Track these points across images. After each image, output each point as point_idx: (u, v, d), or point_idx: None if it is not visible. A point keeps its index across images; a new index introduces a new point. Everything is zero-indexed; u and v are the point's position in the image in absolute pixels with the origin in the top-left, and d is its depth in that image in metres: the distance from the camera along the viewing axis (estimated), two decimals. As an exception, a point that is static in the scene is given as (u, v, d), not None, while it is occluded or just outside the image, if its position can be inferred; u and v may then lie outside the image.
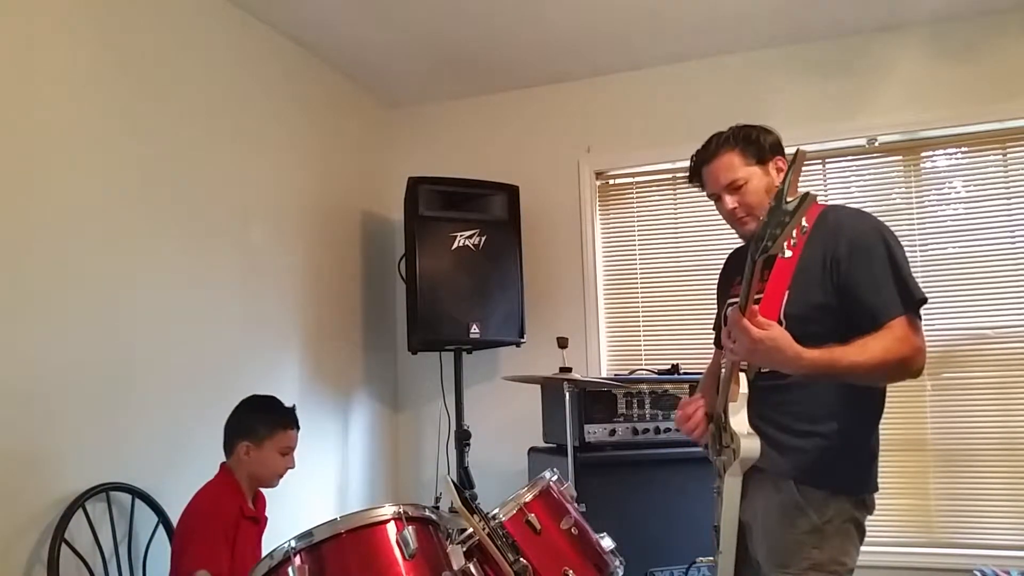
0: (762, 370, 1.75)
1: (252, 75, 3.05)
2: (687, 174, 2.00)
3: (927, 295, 1.71)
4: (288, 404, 2.26)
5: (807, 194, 1.33)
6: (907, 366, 1.63)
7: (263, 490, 2.25)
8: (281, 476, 2.19)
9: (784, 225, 1.36)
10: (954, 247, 3.23)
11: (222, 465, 2.16)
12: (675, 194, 3.65)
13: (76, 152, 2.25)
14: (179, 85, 2.65)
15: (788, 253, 1.41)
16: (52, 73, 2.20)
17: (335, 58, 3.51)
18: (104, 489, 2.20)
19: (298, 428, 2.22)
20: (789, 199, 1.36)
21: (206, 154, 2.76)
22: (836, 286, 1.71)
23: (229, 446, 2.15)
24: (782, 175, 1.84)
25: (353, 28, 3.21)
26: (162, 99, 2.57)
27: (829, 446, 1.72)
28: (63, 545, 2.03)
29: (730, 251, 2.14)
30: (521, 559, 1.75)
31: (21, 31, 2.12)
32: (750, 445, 1.71)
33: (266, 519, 2.25)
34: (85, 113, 2.29)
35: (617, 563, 1.99)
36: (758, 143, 1.85)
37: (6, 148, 2.05)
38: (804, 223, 1.36)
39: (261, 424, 2.14)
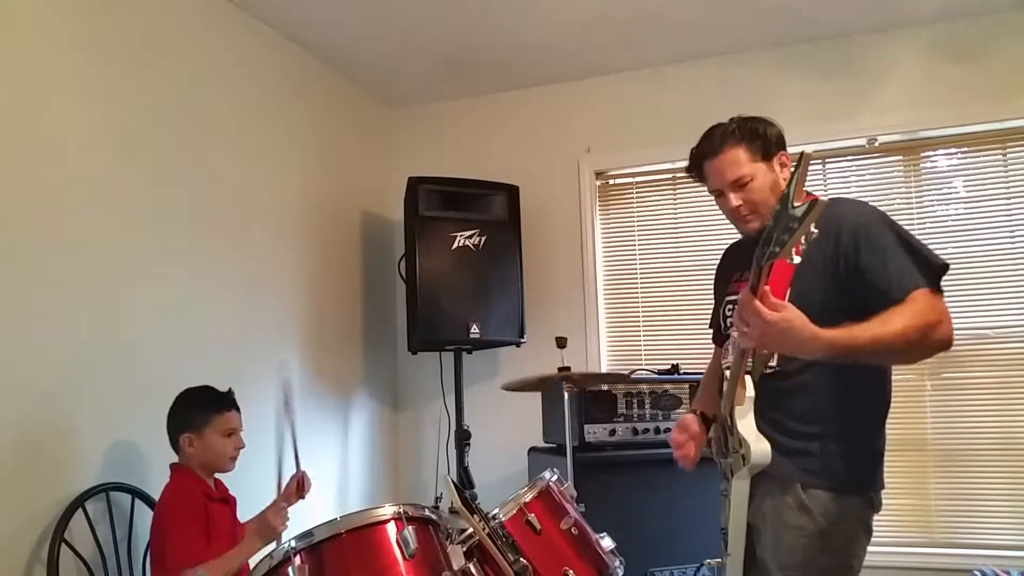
0: (767, 368, 1.73)
1: (252, 75, 3.05)
2: (686, 165, 1.93)
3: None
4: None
5: (816, 200, 1.29)
6: (934, 333, 1.55)
7: (221, 477, 2.24)
8: (233, 458, 2.17)
9: (792, 231, 1.32)
10: (954, 247, 3.23)
11: (172, 465, 2.14)
12: (675, 194, 3.65)
13: (76, 152, 2.25)
14: (179, 85, 2.65)
15: (796, 259, 1.38)
16: (51, 73, 2.20)
17: (335, 58, 3.51)
18: (104, 489, 2.20)
19: (237, 409, 2.20)
20: (796, 204, 1.32)
21: (206, 154, 2.76)
22: (844, 278, 1.66)
23: (174, 443, 2.14)
24: (786, 171, 1.82)
25: (353, 28, 3.21)
26: (162, 99, 2.57)
27: (834, 447, 1.71)
28: (63, 545, 2.02)
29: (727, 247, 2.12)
30: (521, 559, 1.76)
31: (21, 32, 2.11)
32: (761, 450, 1.68)
33: (234, 499, 2.24)
34: (85, 113, 2.29)
35: (617, 563, 1.99)
36: (764, 137, 1.80)
37: (6, 148, 2.05)
38: (814, 229, 1.32)
39: (196, 413, 2.13)
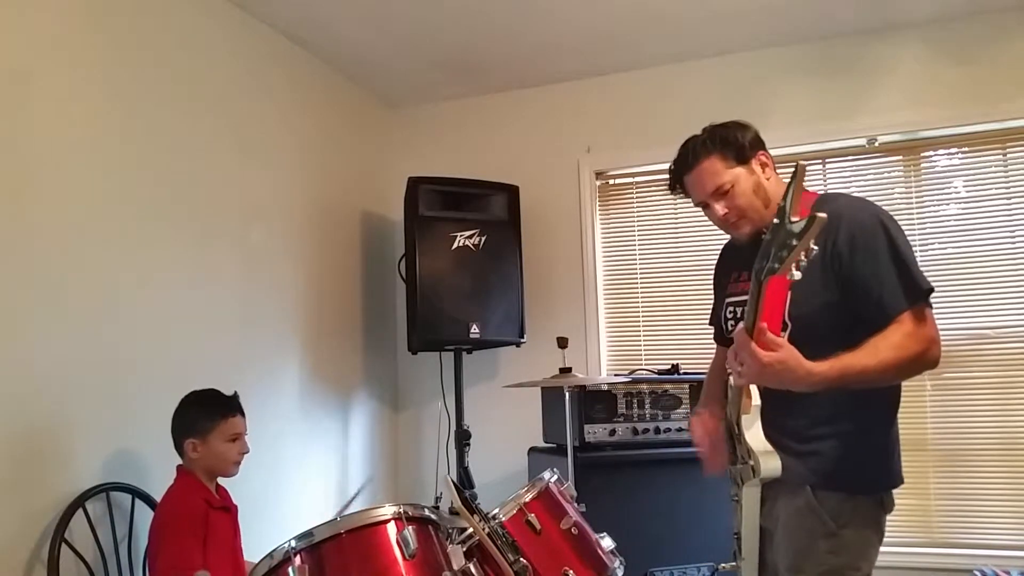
0: None
1: (252, 75, 3.04)
2: (668, 183, 1.94)
3: (930, 291, 1.67)
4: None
5: (815, 217, 1.27)
6: (922, 360, 1.59)
7: (223, 483, 2.24)
8: (237, 463, 2.17)
9: (791, 248, 1.31)
10: (954, 247, 3.23)
11: (178, 467, 2.14)
12: (675, 194, 3.63)
13: (76, 152, 2.25)
14: (179, 85, 2.65)
15: (797, 275, 1.35)
16: (51, 73, 2.20)
17: (335, 58, 3.51)
18: (104, 489, 2.19)
19: (242, 414, 2.19)
20: (794, 219, 1.30)
21: (206, 154, 2.76)
22: (839, 281, 1.67)
23: (178, 448, 2.13)
24: (768, 170, 1.81)
25: (353, 28, 3.21)
26: (162, 99, 2.57)
27: (845, 447, 1.70)
28: (63, 545, 2.02)
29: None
30: (521, 559, 1.75)
31: (21, 31, 2.11)
32: (771, 464, 1.67)
33: (235, 507, 2.24)
34: (85, 113, 2.29)
35: (617, 563, 1.99)
36: (737, 143, 1.79)
37: (6, 148, 2.04)
38: (813, 245, 1.31)
39: (201, 419, 2.12)
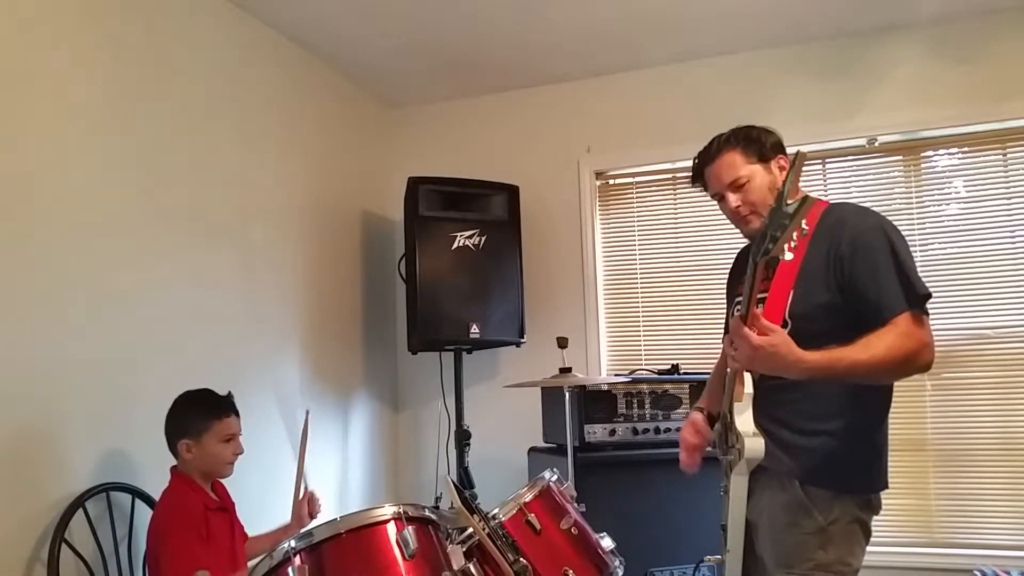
0: None
1: (252, 75, 3.05)
2: (690, 176, 2.01)
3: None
4: (226, 393, 2.22)
5: (806, 197, 1.34)
6: (913, 362, 1.62)
7: (222, 481, 2.24)
8: (231, 464, 2.16)
9: (784, 228, 1.37)
10: (954, 247, 3.23)
11: (172, 469, 2.13)
12: (675, 194, 3.65)
13: (76, 152, 2.25)
14: (179, 85, 2.65)
15: (789, 256, 1.41)
16: (51, 73, 2.20)
17: (335, 58, 3.51)
18: (104, 489, 2.19)
19: (236, 414, 2.18)
20: (790, 201, 1.36)
21: (206, 154, 2.76)
22: (840, 284, 1.71)
23: (172, 449, 2.12)
24: (785, 173, 1.86)
25: (353, 28, 3.21)
26: (162, 99, 2.57)
27: (835, 445, 1.72)
28: (63, 545, 2.02)
29: (735, 251, 2.14)
30: (521, 559, 1.76)
31: (21, 31, 2.11)
32: (755, 446, 1.70)
33: (232, 504, 2.24)
34: (85, 113, 2.29)
35: (617, 563, 2.00)
36: (759, 141, 1.86)
37: (6, 148, 2.05)
38: (804, 225, 1.37)
39: (194, 419, 2.11)
